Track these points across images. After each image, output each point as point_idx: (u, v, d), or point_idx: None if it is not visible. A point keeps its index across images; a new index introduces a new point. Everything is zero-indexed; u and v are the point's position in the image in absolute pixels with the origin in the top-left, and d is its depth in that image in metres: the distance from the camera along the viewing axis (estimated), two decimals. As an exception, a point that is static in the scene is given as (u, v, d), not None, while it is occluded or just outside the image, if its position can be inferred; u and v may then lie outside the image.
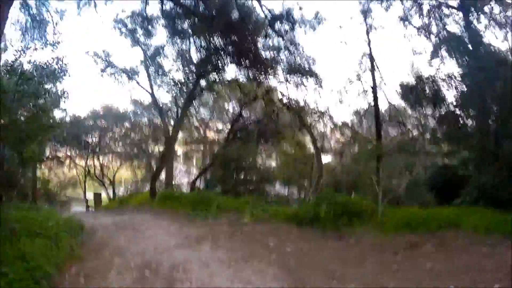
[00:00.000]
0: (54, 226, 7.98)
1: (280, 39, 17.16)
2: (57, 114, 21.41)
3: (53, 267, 5.60)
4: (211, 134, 24.63)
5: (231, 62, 17.46)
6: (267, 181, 20.09)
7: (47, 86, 12.21)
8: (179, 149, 25.70)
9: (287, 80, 18.33)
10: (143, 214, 13.38)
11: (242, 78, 18.72)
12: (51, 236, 7.28)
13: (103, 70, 18.75)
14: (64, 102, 12.37)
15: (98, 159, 26.86)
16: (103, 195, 26.28)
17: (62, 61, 12.06)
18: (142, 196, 20.13)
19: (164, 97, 22.90)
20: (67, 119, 23.75)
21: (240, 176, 19.25)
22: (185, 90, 18.75)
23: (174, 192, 16.53)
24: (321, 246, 7.86)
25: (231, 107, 23.58)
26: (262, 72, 17.26)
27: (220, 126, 24.63)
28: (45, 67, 11.83)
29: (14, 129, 9.94)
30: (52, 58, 11.92)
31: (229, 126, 22.20)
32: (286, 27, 16.87)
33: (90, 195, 26.89)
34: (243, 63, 17.12)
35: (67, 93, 12.21)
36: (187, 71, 18.49)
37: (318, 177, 18.31)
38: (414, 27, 14.02)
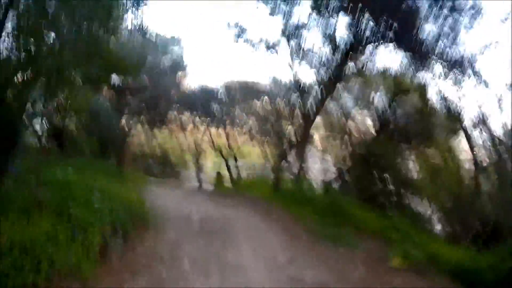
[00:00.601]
0: (100, 208, 5.43)
1: (438, 25, 13.52)
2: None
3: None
4: (353, 126, 20.19)
5: (384, 44, 14.22)
6: (411, 193, 16.13)
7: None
8: (315, 137, 21.82)
9: (444, 75, 14.53)
10: (253, 212, 10.37)
11: (395, 66, 15.36)
12: (78, 224, 4.73)
13: (237, 38, 16.55)
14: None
15: (226, 132, 24.70)
16: (225, 172, 24.37)
17: None
18: (265, 184, 17.52)
19: (306, 75, 19.29)
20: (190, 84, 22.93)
21: (381, 181, 15.76)
22: (330, 71, 15.73)
23: (303, 188, 13.54)
24: None
25: (377, 98, 19.08)
26: (420, 61, 14.02)
27: (364, 118, 20.32)
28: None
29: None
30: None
31: (374, 120, 18.64)
32: (445, 11, 13.34)
33: (209, 168, 25.83)
34: (399, 47, 13.95)
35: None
36: (333, 50, 15.37)
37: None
38: None
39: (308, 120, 15.86)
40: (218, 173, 23.44)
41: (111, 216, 5.42)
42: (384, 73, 16.51)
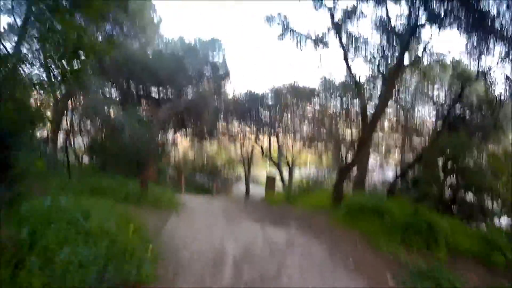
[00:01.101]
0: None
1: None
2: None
3: None
4: (412, 123, 19.19)
5: (444, 27, 12.50)
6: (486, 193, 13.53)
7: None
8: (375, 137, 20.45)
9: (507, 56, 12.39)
10: (311, 236, 8.13)
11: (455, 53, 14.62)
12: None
13: (281, 36, 15.36)
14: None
15: (276, 138, 23.73)
16: (277, 179, 22.63)
17: None
18: (322, 195, 14.98)
19: (361, 71, 18.97)
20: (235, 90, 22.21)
21: (452, 181, 13.70)
22: (384, 66, 14.66)
23: (369, 199, 10.80)
24: None
25: (439, 90, 18.24)
26: (482, 42, 12.36)
27: (423, 113, 19.39)
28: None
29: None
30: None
31: (437, 113, 17.35)
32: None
33: (263, 176, 24.50)
34: (460, 27, 12.23)
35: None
36: (388, 42, 14.21)
37: None
38: None
39: (370, 122, 14.05)
40: (268, 178, 20.96)
41: (83, 273, 3.86)
42: (444, 60, 15.68)
